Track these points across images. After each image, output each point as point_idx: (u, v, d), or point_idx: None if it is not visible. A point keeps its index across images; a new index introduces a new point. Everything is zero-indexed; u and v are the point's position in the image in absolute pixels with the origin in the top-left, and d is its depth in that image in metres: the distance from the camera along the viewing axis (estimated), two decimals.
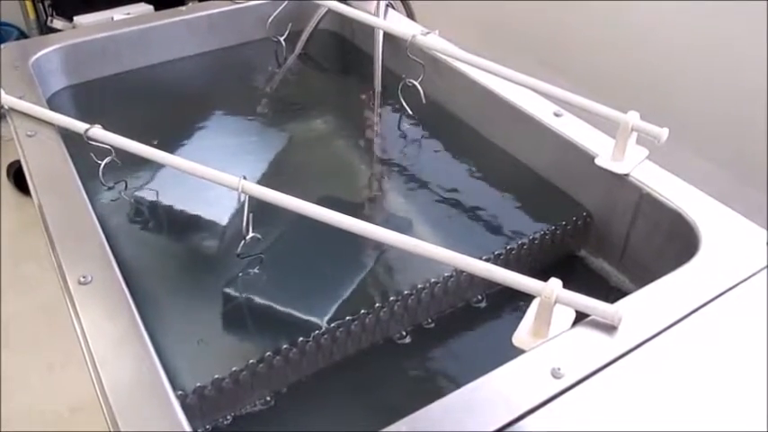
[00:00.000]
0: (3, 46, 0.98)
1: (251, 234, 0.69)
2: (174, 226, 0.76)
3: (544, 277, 0.56)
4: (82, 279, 0.57)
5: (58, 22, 1.86)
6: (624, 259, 0.75)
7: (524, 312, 0.57)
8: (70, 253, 0.61)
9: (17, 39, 2.09)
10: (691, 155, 1.01)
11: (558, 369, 0.50)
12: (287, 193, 0.66)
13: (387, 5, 1.00)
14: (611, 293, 0.74)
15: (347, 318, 0.62)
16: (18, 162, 1.92)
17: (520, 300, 0.66)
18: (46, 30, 1.93)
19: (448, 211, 0.78)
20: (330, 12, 1.06)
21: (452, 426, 0.46)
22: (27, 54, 0.96)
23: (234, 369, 0.57)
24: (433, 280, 0.66)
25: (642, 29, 1.15)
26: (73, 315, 0.55)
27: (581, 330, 0.54)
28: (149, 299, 0.61)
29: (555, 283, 0.54)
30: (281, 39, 1.11)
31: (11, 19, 2.16)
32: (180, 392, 0.54)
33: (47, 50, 0.97)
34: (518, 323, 0.57)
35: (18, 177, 1.96)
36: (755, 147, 0.98)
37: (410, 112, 0.94)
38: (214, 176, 0.68)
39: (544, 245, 0.74)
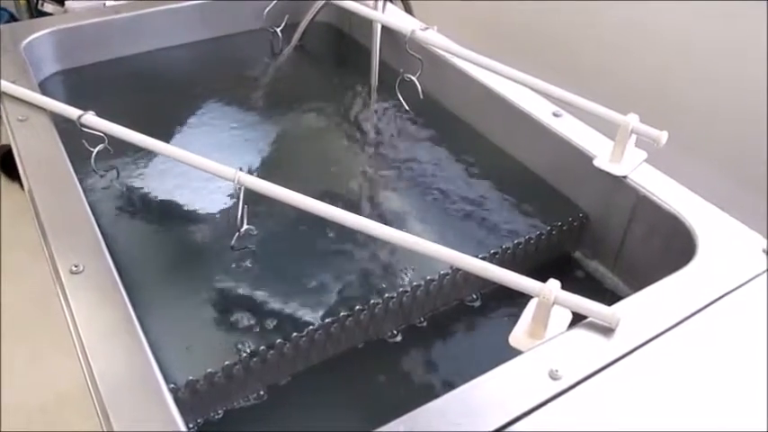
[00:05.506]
0: None
1: (245, 226, 0.68)
2: (167, 216, 0.75)
3: (538, 277, 0.55)
4: (74, 268, 0.56)
5: (49, 6, 1.84)
6: (619, 262, 0.74)
7: (518, 313, 0.57)
8: (62, 241, 0.60)
9: (7, 22, 2.05)
10: (689, 158, 1.01)
11: (556, 371, 0.49)
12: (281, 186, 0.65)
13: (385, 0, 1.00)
14: (606, 296, 0.73)
15: (342, 314, 0.62)
16: (5, 147, 1.90)
17: (514, 299, 0.66)
18: (36, 14, 1.90)
19: (443, 209, 0.78)
20: (328, 4, 1.05)
21: (450, 426, 0.46)
22: (18, 38, 0.94)
23: (227, 363, 0.57)
24: (428, 277, 0.66)
25: (643, 30, 1.15)
26: (64, 304, 0.54)
27: (578, 332, 0.53)
28: (142, 290, 0.60)
29: (553, 284, 0.54)
30: (278, 30, 1.09)
31: (1, 2, 2.12)
32: (171, 386, 0.53)
33: (39, 34, 0.96)
34: (511, 323, 0.56)
35: (5, 163, 1.93)
36: (755, 151, 0.99)
37: (407, 108, 0.93)
38: (210, 167, 0.67)
39: (540, 245, 0.74)
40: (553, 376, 0.49)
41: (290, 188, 0.65)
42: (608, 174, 0.72)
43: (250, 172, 0.66)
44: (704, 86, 1.07)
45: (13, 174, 1.92)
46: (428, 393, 0.61)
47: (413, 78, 0.91)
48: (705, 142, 1.05)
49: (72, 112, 0.75)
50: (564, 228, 0.75)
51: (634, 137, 0.72)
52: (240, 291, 0.64)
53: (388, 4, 1.00)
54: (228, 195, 0.75)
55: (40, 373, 1.43)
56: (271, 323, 0.61)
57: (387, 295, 0.64)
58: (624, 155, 0.72)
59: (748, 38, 0.98)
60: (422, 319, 0.68)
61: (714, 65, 1.05)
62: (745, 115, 1.01)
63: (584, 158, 0.74)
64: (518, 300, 0.58)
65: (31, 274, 1.61)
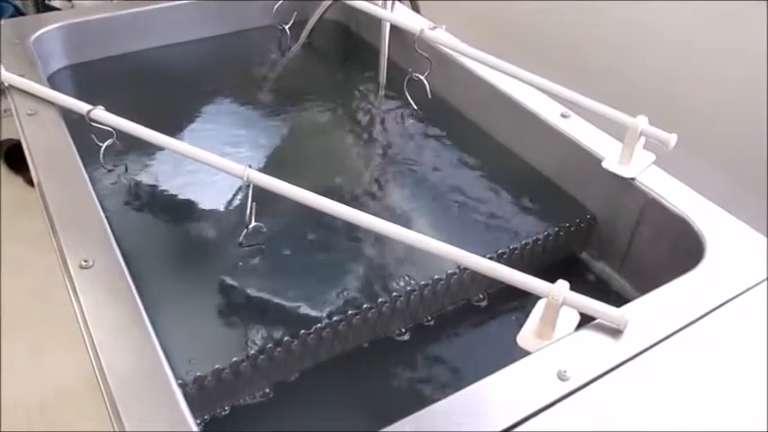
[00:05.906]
0: (2, 22, 0.96)
1: (254, 223, 0.68)
2: (176, 212, 0.75)
3: (545, 278, 0.55)
4: (83, 263, 0.56)
5: (56, 1, 1.84)
6: (626, 264, 0.74)
7: (524, 313, 0.57)
8: (71, 236, 0.60)
9: (12, 16, 2.05)
10: (691, 159, 1.01)
11: (565, 372, 0.49)
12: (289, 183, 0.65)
13: None
14: (612, 297, 0.74)
15: (349, 312, 0.62)
16: (9, 141, 1.90)
17: (520, 299, 0.66)
18: (43, 8, 1.90)
19: (450, 209, 0.78)
20: (336, 2, 1.05)
21: (457, 426, 0.46)
22: (27, 32, 0.94)
23: (234, 360, 0.57)
24: (436, 276, 0.66)
25: (644, 31, 1.15)
26: (73, 299, 0.54)
27: (587, 333, 0.53)
28: (151, 285, 0.60)
29: (562, 285, 0.54)
30: (286, 27, 1.10)
31: None
32: (179, 382, 0.53)
33: (48, 29, 0.96)
34: (518, 323, 0.56)
35: (9, 156, 1.93)
36: (756, 152, 0.99)
37: (415, 107, 0.93)
38: (219, 164, 0.67)
39: (547, 246, 0.74)
40: (561, 377, 0.49)
41: (298, 185, 0.65)
42: (616, 175, 0.72)
43: (258, 168, 0.66)
44: (705, 87, 1.07)
45: (17, 167, 1.92)
46: (435, 392, 0.61)
47: (421, 77, 0.91)
48: (706, 143, 1.05)
49: (81, 106, 0.75)
50: (571, 229, 0.75)
51: (643, 139, 0.72)
52: (248, 287, 0.64)
53: (397, 2, 1.00)
54: (237, 192, 0.75)
55: (39, 369, 1.42)
56: (278, 320, 0.61)
57: (394, 294, 0.64)
58: (633, 157, 0.72)
59: (748, 38, 0.98)
60: (429, 318, 0.68)
61: (715, 65, 1.05)
62: (747, 116, 1.01)
63: (593, 160, 0.74)
64: (524, 300, 0.58)
65: (32, 267, 1.60)
